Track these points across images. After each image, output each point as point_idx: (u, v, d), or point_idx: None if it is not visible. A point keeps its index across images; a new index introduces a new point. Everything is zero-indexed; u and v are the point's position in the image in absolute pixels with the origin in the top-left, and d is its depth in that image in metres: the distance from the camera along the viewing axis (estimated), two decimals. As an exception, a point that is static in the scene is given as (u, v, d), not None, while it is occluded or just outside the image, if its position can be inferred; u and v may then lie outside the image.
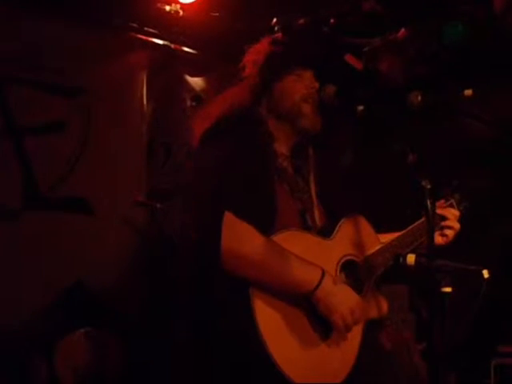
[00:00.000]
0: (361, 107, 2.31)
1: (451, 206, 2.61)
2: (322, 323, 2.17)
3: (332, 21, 4.07)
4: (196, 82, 4.94)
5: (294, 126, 2.37)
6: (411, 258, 2.21)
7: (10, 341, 3.77)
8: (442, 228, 2.55)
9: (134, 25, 4.57)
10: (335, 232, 2.31)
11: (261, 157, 2.26)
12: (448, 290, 2.05)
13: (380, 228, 2.50)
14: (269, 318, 2.06)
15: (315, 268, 2.15)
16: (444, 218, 2.55)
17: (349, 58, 4.14)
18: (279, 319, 2.09)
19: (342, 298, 2.16)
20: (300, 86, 2.38)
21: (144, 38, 4.64)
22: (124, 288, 4.26)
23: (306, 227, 2.31)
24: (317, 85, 2.39)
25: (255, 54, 2.43)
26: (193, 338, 2.19)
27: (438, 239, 2.52)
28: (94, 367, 3.79)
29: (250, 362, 2.05)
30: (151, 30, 4.64)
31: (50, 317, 3.95)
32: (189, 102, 4.83)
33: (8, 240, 3.96)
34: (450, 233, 2.54)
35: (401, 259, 2.24)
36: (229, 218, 2.06)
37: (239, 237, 2.07)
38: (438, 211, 2.53)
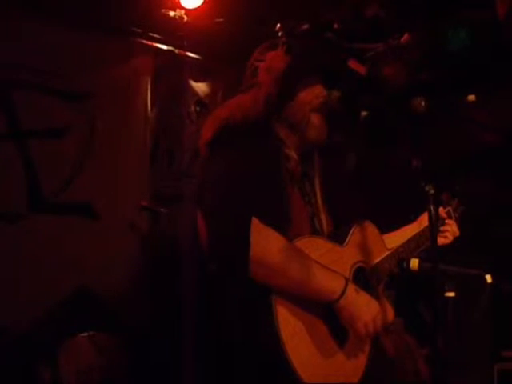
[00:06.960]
0: (364, 113, 2.32)
1: (448, 213, 2.64)
2: (339, 332, 2.18)
3: (335, 26, 4.07)
4: (200, 87, 4.95)
5: (302, 137, 2.37)
6: (415, 263, 2.23)
7: (14, 345, 3.78)
8: (443, 231, 2.60)
9: (139, 30, 4.58)
10: (348, 239, 2.31)
11: (274, 159, 2.25)
12: (451, 294, 2.05)
13: (383, 234, 2.52)
14: (290, 325, 2.06)
15: (338, 277, 2.15)
16: (444, 223, 2.60)
17: (352, 64, 4.14)
18: (300, 326, 2.09)
19: (364, 307, 2.16)
20: (311, 97, 2.37)
21: (148, 43, 4.65)
22: (128, 292, 4.26)
23: (314, 231, 2.32)
24: (325, 93, 2.39)
25: (270, 61, 2.37)
26: (206, 342, 2.19)
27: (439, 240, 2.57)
28: (98, 371, 3.79)
29: (267, 367, 2.05)
30: (155, 35, 4.66)
31: (53, 321, 3.96)
32: (193, 107, 4.85)
33: (12, 244, 3.96)
34: (449, 235, 2.59)
35: (404, 264, 2.24)
36: (254, 223, 2.03)
37: (265, 243, 2.05)
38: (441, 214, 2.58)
